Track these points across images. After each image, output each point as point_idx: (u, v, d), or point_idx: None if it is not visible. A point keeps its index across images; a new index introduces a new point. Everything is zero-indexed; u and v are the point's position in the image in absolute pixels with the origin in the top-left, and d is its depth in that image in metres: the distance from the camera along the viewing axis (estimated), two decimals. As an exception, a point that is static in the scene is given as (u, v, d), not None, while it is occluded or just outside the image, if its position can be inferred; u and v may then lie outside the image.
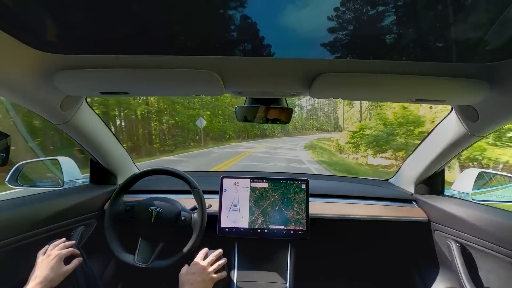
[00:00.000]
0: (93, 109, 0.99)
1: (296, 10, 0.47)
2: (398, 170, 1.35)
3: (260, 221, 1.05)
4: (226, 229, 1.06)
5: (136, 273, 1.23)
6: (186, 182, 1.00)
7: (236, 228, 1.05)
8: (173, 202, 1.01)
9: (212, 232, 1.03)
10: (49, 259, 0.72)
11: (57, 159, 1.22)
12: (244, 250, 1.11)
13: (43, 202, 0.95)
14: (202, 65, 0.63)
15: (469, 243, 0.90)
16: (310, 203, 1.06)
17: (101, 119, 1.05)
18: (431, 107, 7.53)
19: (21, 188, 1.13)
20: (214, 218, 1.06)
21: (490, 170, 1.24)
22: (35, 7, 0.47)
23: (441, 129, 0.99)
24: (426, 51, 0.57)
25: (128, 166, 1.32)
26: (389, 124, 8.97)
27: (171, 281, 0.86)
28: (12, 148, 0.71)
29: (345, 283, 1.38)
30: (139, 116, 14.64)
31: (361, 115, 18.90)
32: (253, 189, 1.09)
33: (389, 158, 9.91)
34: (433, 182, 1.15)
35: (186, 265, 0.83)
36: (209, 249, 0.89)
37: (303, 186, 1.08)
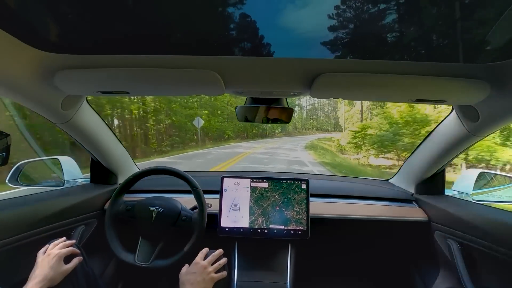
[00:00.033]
0: (93, 109, 0.99)
1: (296, 10, 0.47)
2: (398, 170, 1.35)
3: (260, 221, 1.05)
4: (227, 229, 1.06)
5: (136, 273, 1.23)
6: (187, 182, 1.00)
7: (237, 228, 1.05)
8: (174, 202, 1.01)
9: (212, 231, 1.03)
10: (49, 258, 0.72)
11: (57, 159, 1.22)
12: (245, 250, 1.11)
13: (43, 201, 0.96)
14: (203, 64, 0.63)
15: (469, 243, 0.90)
16: (310, 203, 1.06)
17: (102, 118, 1.05)
18: (434, 107, 7.40)
19: (21, 188, 1.13)
20: (215, 218, 1.06)
21: (491, 171, 1.24)
22: (36, 7, 0.47)
23: (442, 129, 0.99)
24: (427, 51, 0.57)
25: (129, 165, 1.32)
26: (394, 123, 8.52)
27: (171, 281, 0.86)
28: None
29: (345, 283, 1.38)
30: (133, 116, 14.12)
31: (362, 114, 18.84)
32: (253, 189, 1.09)
33: (391, 159, 9.66)
34: (434, 182, 1.15)
35: (187, 265, 0.83)
36: (210, 248, 0.89)
37: (304, 186, 1.08)
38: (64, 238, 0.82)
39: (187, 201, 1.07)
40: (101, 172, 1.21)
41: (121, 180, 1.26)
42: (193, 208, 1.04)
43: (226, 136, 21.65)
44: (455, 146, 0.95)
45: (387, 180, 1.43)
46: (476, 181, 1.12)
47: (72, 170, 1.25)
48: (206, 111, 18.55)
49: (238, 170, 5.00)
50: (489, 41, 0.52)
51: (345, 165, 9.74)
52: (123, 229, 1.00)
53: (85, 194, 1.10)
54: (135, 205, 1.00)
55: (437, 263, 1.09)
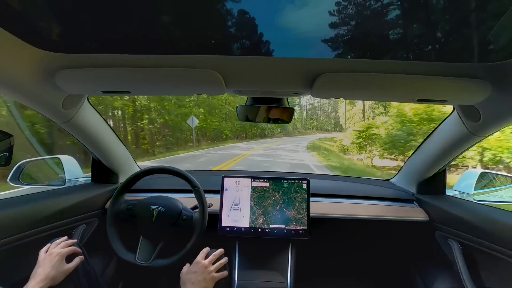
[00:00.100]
0: (95, 108, 0.99)
1: (296, 9, 0.47)
2: (399, 170, 1.35)
3: (261, 220, 1.06)
4: (227, 229, 1.06)
5: (137, 272, 1.24)
6: (188, 181, 1.00)
7: (237, 227, 1.05)
8: (174, 201, 1.01)
9: (213, 231, 1.03)
10: (51, 257, 0.73)
11: (58, 158, 1.23)
12: (245, 250, 1.11)
13: (44, 200, 0.96)
14: (204, 64, 0.63)
15: (470, 243, 0.90)
16: (311, 203, 1.06)
17: (103, 118, 1.06)
18: (443, 106, 7.13)
19: (23, 187, 1.14)
20: (215, 218, 1.06)
21: (492, 171, 1.24)
22: (37, 6, 0.47)
23: (443, 129, 0.99)
24: (428, 50, 0.57)
25: (130, 165, 1.32)
26: (407, 121, 7.62)
27: (172, 280, 0.86)
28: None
29: (346, 283, 1.38)
30: (117, 115, 13.09)
31: (364, 114, 18.79)
32: (254, 189, 1.09)
33: (395, 159, 9.15)
34: (435, 182, 1.15)
35: (188, 264, 0.83)
36: (210, 248, 0.89)
37: (304, 186, 1.08)
38: (65, 237, 0.82)
39: (188, 201, 1.07)
40: (102, 171, 1.21)
41: (122, 179, 1.26)
42: (194, 208, 1.05)
43: (224, 136, 21.08)
44: (456, 146, 0.95)
45: (388, 180, 1.42)
46: (477, 181, 1.11)
47: (73, 169, 1.26)
48: (202, 110, 17.71)
49: (239, 170, 4.96)
50: (490, 41, 0.52)
51: (355, 169, 8.86)
52: (124, 228, 1.00)
53: (86, 193, 1.10)
54: (136, 205, 1.00)
55: (437, 263, 1.09)
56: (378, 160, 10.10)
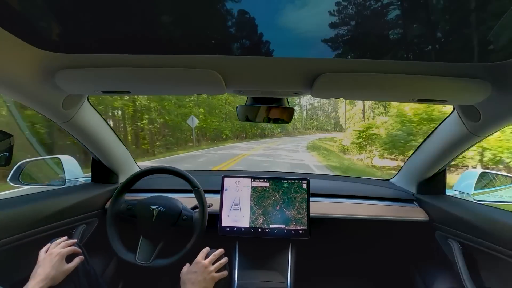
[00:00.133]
0: (95, 108, 0.99)
1: (296, 9, 0.47)
2: (399, 170, 1.35)
3: (261, 220, 1.05)
4: (227, 229, 1.06)
5: (137, 272, 1.24)
6: (188, 181, 1.00)
7: (237, 227, 1.05)
8: (174, 201, 1.01)
9: (213, 231, 1.03)
10: (51, 257, 0.73)
11: (58, 158, 1.23)
12: (245, 250, 1.11)
13: (44, 200, 0.96)
14: (204, 64, 0.63)
15: (470, 243, 0.90)
16: (311, 203, 1.06)
17: (103, 118, 1.06)
18: (443, 106, 7.09)
19: (23, 187, 1.14)
20: (215, 218, 1.06)
21: (492, 171, 1.24)
22: (37, 6, 0.47)
23: (443, 129, 0.99)
24: (428, 50, 0.57)
25: (130, 165, 1.32)
26: (407, 121, 7.56)
27: (172, 280, 0.86)
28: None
29: (346, 283, 1.38)
30: (120, 115, 12.94)
31: (364, 114, 18.77)
32: (254, 189, 1.09)
33: (395, 159, 9.08)
34: (435, 182, 1.15)
35: (188, 264, 0.83)
36: (210, 248, 0.89)
37: (304, 186, 1.08)
38: (65, 237, 0.82)
39: (188, 201, 1.07)
40: (102, 171, 1.21)
41: (122, 179, 1.26)
42: (194, 208, 1.05)
43: (224, 136, 20.91)
44: (456, 146, 0.95)
45: (388, 180, 1.42)
46: (477, 181, 1.11)
47: (73, 169, 1.26)
48: (202, 110, 17.59)
49: (239, 170, 4.95)
50: (490, 41, 0.52)
51: (355, 169, 8.80)
52: (124, 228, 1.00)
53: (86, 193, 1.10)
54: (136, 204, 1.00)
55: (437, 263, 1.09)
56: (378, 160, 10.03)
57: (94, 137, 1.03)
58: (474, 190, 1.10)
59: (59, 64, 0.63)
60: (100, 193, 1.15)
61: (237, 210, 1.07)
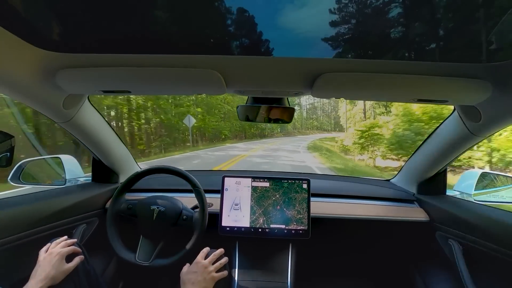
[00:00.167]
0: (95, 108, 0.99)
1: (296, 9, 0.47)
2: (400, 170, 1.35)
3: (261, 220, 1.05)
4: (227, 228, 1.06)
5: (137, 272, 1.24)
6: (188, 181, 1.00)
7: (237, 227, 1.05)
8: (175, 201, 1.01)
9: (213, 231, 1.03)
10: (51, 257, 0.73)
11: (59, 158, 1.23)
12: (245, 249, 1.11)
13: (45, 200, 0.96)
14: (204, 64, 0.63)
15: (470, 244, 0.90)
16: (311, 203, 1.06)
17: (103, 117, 1.06)
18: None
19: (23, 186, 1.14)
20: (216, 217, 1.06)
21: (493, 171, 1.24)
22: (38, 6, 0.47)
23: (443, 129, 0.99)
24: (429, 50, 0.57)
25: (130, 164, 1.32)
26: (415, 120, 7.12)
27: (172, 280, 0.86)
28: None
29: (346, 283, 1.38)
30: (114, 114, 12.30)
31: (365, 113, 18.72)
32: (254, 189, 1.09)
33: (397, 160, 8.81)
34: (435, 183, 1.15)
35: (188, 264, 0.84)
36: (211, 248, 0.89)
37: (305, 186, 1.08)
38: (65, 237, 0.82)
39: (188, 201, 1.07)
40: (102, 171, 1.22)
41: (122, 179, 1.26)
42: (194, 208, 1.05)
43: (223, 136, 20.47)
44: (456, 146, 0.95)
45: (388, 180, 1.42)
46: (478, 181, 1.11)
47: (73, 169, 1.26)
48: (199, 109, 17.07)
49: (239, 170, 4.93)
50: (491, 41, 0.52)
51: (360, 171, 8.42)
52: (124, 228, 1.00)
53: (86, 193, 1.10)
54: (136, 204, 1.00)
55: (438, 264, 1.08)
56: (380, 160, 9.79)
57: (94, 137, 1.03)
58: (475, 190, 1.10)
59: (60, 64, 0.63)
60: (101, 192, 1.15)
61: (237, 210, 1.07)
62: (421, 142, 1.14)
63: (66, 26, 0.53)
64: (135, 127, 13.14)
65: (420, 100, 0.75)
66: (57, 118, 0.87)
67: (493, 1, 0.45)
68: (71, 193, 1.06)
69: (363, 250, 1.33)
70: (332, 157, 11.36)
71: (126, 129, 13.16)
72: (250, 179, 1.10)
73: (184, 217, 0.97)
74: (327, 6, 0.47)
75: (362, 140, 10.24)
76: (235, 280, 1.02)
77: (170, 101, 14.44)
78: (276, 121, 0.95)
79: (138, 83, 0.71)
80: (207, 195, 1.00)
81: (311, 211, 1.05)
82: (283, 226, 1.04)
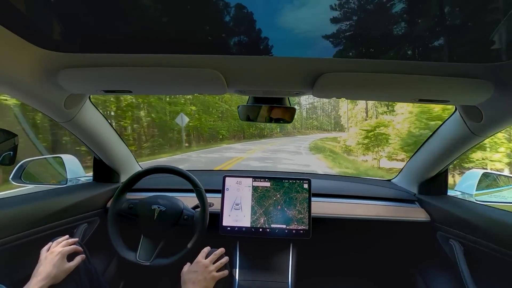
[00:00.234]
0: (96, 108, 0.99)
1: (297, 9, 0.47)
2: (401, 170, 1.35)
3: (262, 220, 1.05)
4: (228, 228, 1.06)
5: (138, 271, 1.24)
6: (189, 181, 1.00)
7: (238, 227, 1.06)
8: (176, 201, 1.02)
9: (214, 231, 1.03)
10: (52, 256, 0.73)
11: (60, 157, 1.23)
12: (246, 249, 1.11)
13: (46, 199, 0.96)
14: (205, 64, 0.63)
15: (471, 244, 0.90)
16: (312, 203, 1.06)
17: (105, 117, 1.06)
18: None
19: (25, 186, 1.14)
20: (216, 217, 1.06)
21: (494, 171, 1.23)
22: (39, 6, 0.47)
23: (445, 129, 0.99)
24: (430, 50, 0.56)
25: (131, 164, 1.32)
26: (435, 117, 6.24)
27: (173, 279, 0.86)
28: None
29: (347, 283, 1.38)
30: (104, 113, 11.60)
31: (366, 113, 18.62)
32: (255, 188, 1.09)
33: (402, 161, 8.39)
34: (436, 183, 1.15)
35: (188, 263, 0.84)
36: (211, 247, 0.89)
37: (305, 186, 1.08)
38: (67, 236, 0.82)
39: (189, 200, 1.07)
40: (103, 170, 1.22)
41: (123, 178, 1.26)
42: (195, 207, 1.05)
43: (221, 137, 19.49)
44: (458, 147, 0.95)
45: (389, 180, 1.42)
46: (479, 181, 1.11)
47: (75, 169, 1.26)
48: (193, 108, 15.57)
49: (240, 170, 4.90)
50: (493, 41, 0.51)
51: (375, 176, 7.41)
52: (125, 227, 1.00)
53: (87, 192, 1.10)
54: (138, 204, 1.00)
55: (439, 264, 1.08)
56: (385, 161, 9.33)
57: (95, 136, 1.03)
58: (476, 190, 1.10)
59: (61, 64, 0.63)
60: (102, 192, 1.15)
61: (238, 210, 1.07)
62: (422, 142, 1.14)
63: (67, 26, 0.53)
64: (125, 127, 11.76)
65: (421, 100, 0.75)
66: (58, 118, 0.87)
67: (495, 1, 0.45)
68: (72, 192, 1.06)
69: (364, 250, 1.33)
70: (338, 159, 10.72)
71: (116, 128, 12.26)
72: (251, 179, 1.10)
73: (185, 216, 0.97)
74: (327, 6, 0.47)
75: (366, 141, 9.82)
76: (235, 279, 1.02)
77: (163, 99, 13.25)
78: (277, 121, 0.95)
79: (139, 83, 0.71)
80: (208, 194, 1.00)
81: (312, 211, 1.05)
82: (284, 226, 1.04)
